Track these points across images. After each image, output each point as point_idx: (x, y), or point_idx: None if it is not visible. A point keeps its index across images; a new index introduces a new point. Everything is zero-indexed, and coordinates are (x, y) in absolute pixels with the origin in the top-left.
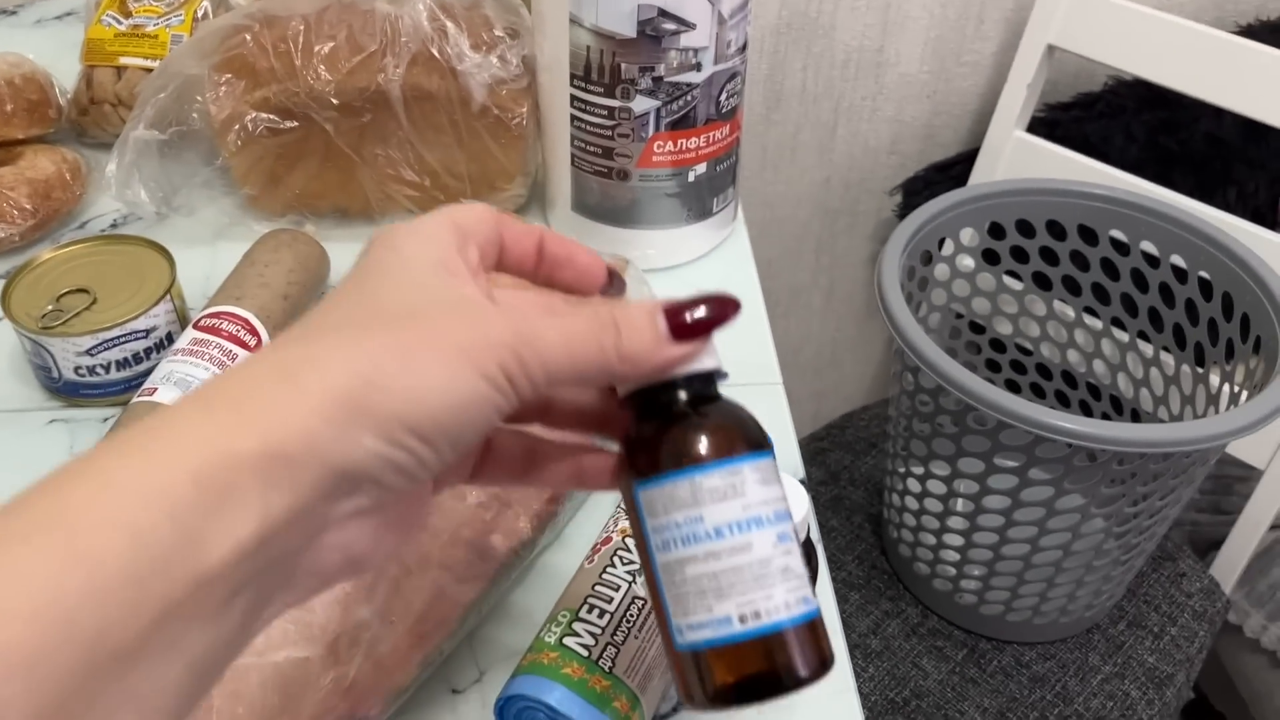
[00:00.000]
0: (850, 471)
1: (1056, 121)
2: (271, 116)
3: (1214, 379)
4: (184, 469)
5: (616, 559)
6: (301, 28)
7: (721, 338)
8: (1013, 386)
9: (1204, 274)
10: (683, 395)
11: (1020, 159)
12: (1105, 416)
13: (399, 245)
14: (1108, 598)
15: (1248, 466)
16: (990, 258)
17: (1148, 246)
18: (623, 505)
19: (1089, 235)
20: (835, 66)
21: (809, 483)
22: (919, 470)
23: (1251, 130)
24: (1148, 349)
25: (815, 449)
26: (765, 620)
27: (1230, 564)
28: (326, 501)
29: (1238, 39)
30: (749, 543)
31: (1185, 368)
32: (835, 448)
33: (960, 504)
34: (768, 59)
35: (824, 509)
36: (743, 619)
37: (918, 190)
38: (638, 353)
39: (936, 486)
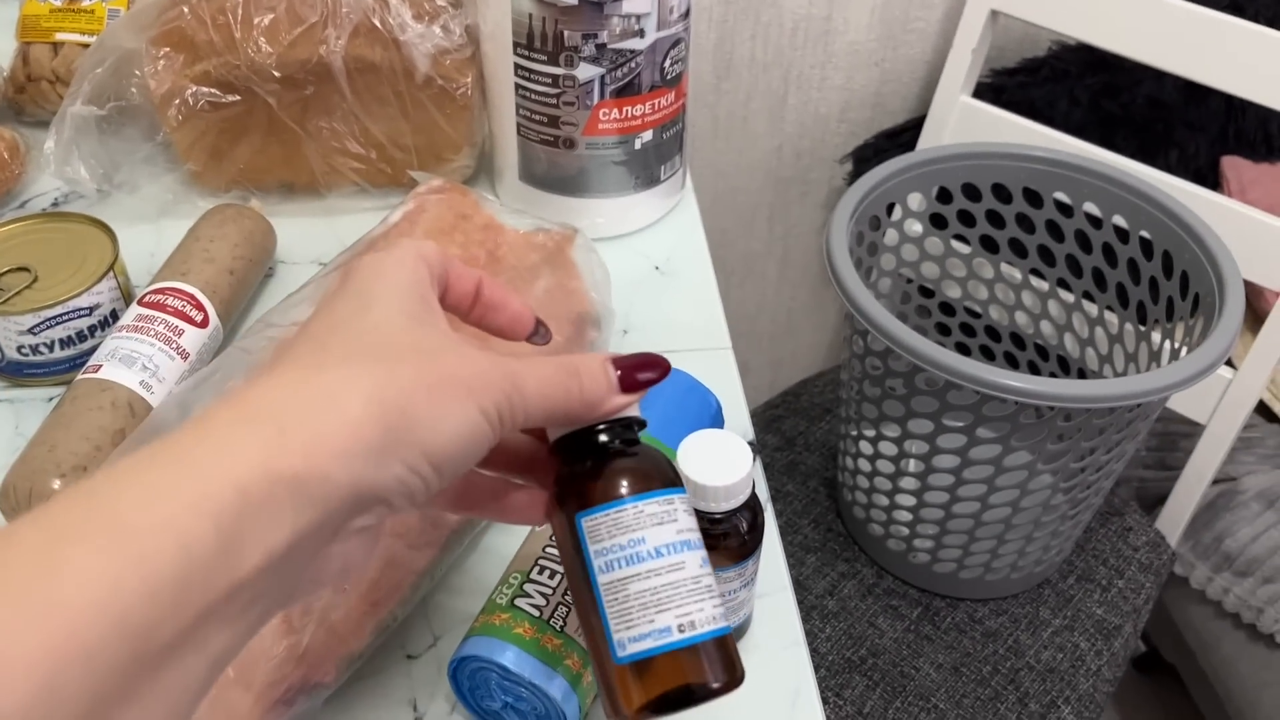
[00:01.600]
0: (805, 437)
1: (1002, 87)
2: (212, 90)
3: (1156, 336)
4: (230, 482)
5: None
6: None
7: (674, 305)
8: (963, 349)
9: (1145, 234)
10: (620, 437)
11: (967, 124)
12: (1052, 375)
13: (386, 275)
14: (1057, 553)
15: (1191, 423)
16: (938, 222)
17: (1091, 208)
18: (554, 538)
19: (1034, 198)
20: (784, 35)
21: (764, 449)
22: (870, 433)
23: (1192, 93)
24: (1092, 309)
25: (771, 416)
26: (699, 630)
27: (1175, 518)
28: (347, 518)
29: (1177, 2)
30: (683, 561)
31: (1128, 326)
32: (790, 414)
33: (911, 465)
34: (716, 28)
35: (780, 474)
36: (681, 629)
37: (868, 158)
38: (595, 399)
39: (888, 448)
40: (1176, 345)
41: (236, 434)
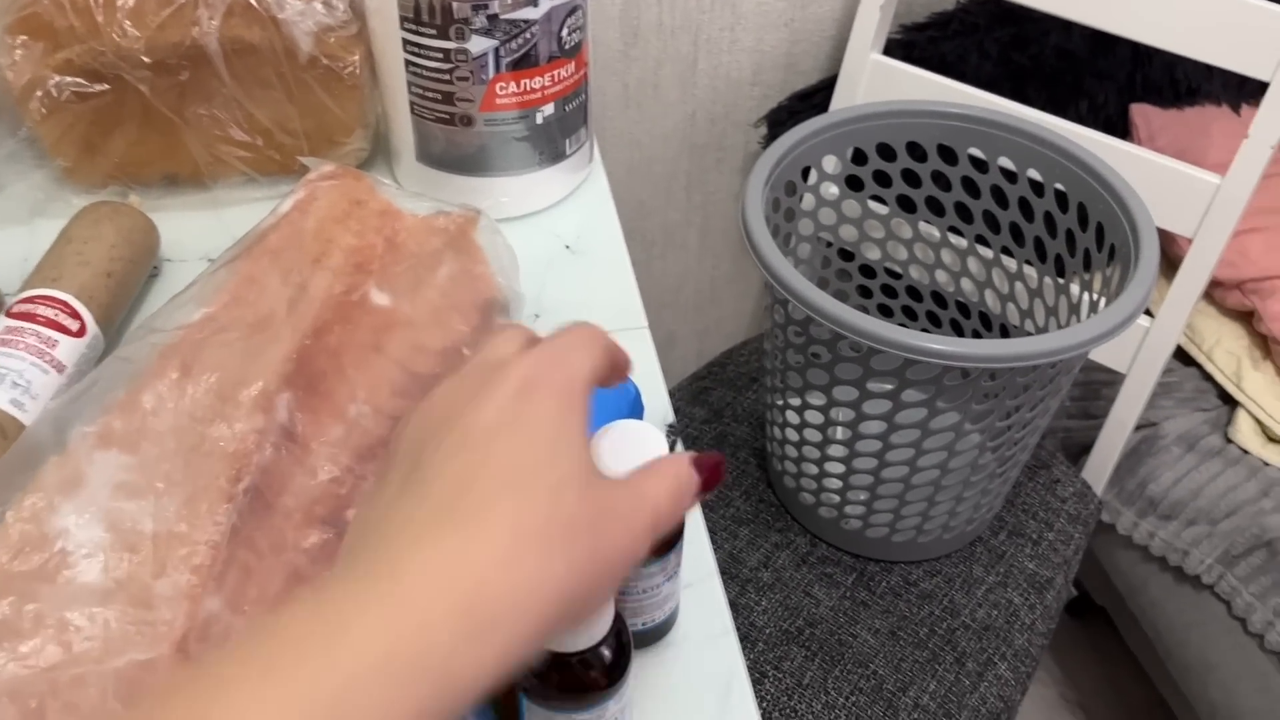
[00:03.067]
0: (733, 408)
1: (913, 43)
2: (78, 80)
3: (1075, 289)
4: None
5: None
6: None
7: (587, 285)
8: (885, 311)
9: (1059, 186)
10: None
11: (879, 83)
12: (976, 333)
13: (566, 425)
14: (987, 510)
15: (1112, 371)
16: (855, 184)
17: (1005, 162)
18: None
19: (948, 155)
20: None
21: (693, 422)
22: (796, 401)
23: (1099, 42)
24: (1011, 264)
25: (698, 388)
26: None
27: (1100, 466)
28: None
29: None
30: None
31: (1047, 280)
32: (717, 385)
33: (839, 432)
34: None
35: (709, 446)
36: None
37: (782, 121)
38: (685, 507)
39: (814, 416)
40: (1095, 297)
41: (379, 623)
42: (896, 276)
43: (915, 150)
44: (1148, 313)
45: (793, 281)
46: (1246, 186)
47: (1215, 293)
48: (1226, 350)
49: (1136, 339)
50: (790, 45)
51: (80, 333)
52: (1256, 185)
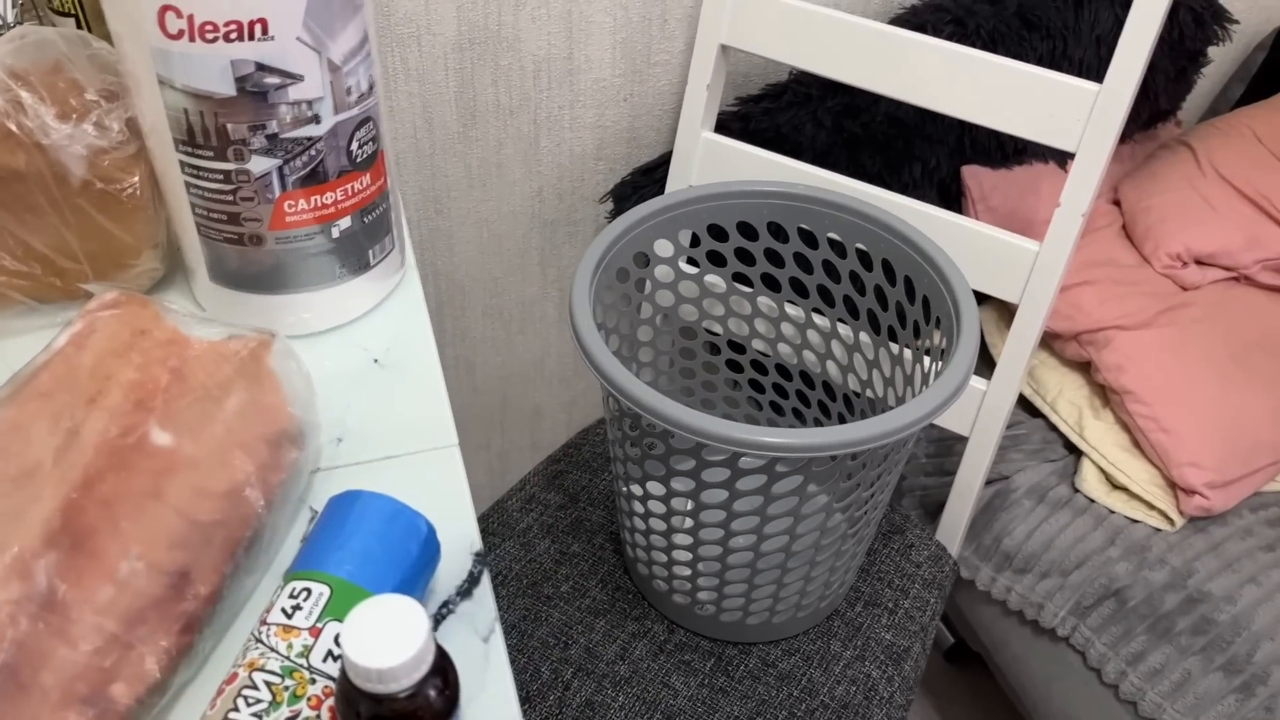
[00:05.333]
0: (589, 491)
1: (749, 115)
2: None
3: (909, 356)
4: None
5: (241, 700)
6: None
7: (396, 402)
8: (757, 387)
9: (886, 259)
10: None
11: (711, 160)
12: (821, 404)
13: None
14: (840, 585)
15: None
16: (695, 260)
17: (835, 237)
18: None
19: (779, 231)
20: (527, 77)
21: (548, 508)
22: (639, 490)
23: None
24: (849, 335)
25: (553, 472)
26: None
27: (954, 524)
28: None
29: (892, 30)
30: None
31: (883, 351)
32: (573, 468)
33: (682, 520)
34: (454, 76)
35: (565, 534)
36: None
37: (626, 195)
38: None
39: (656, 506)
40: (928, 367)
41: None
42: (741, 351)
43: (746, 229)
44: (990, 365)
45: (619, 378)
46: (1063, 253)
47: (1055, 344)
48: (1069, 400)
49: (975, 402)
50: (631, 120)
51: None
52: (1073, 251)
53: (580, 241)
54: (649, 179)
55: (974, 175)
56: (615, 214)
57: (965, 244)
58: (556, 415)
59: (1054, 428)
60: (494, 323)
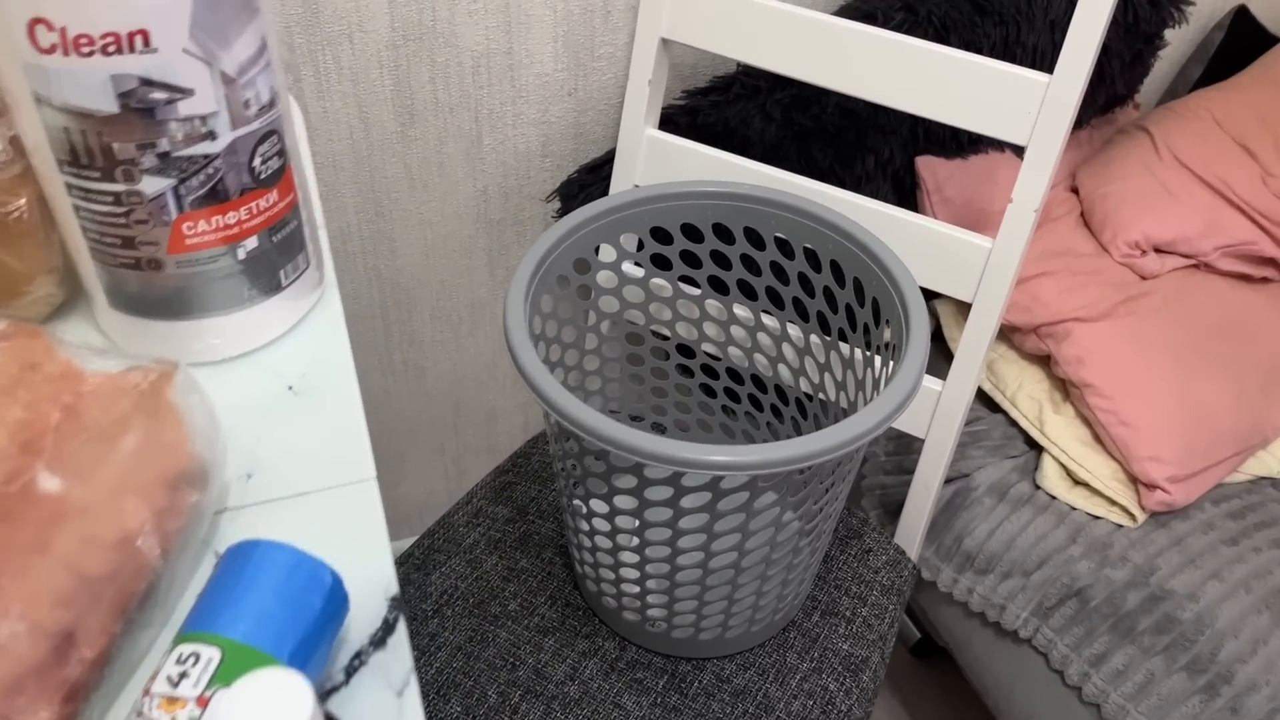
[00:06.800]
0: (538, 503)
1: (697, 109)
2: None
3: (859, 360)
4: None
5: None
6: None
7: (310, 432)
8: (708, 391)
9: (835, 260)
10: None
11: (655, 157)
12: (774, 407)
13: None
14: (794, 596)
15: None
16: (655, 261)
17: (782, 236)
18: None
19: (725, 233)
20: (465, 73)
21: (495, 522)
22: (583, 507)
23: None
24: (799, 337)
25: (501, 484)
26: None
27: (913, 525)
28: None
29: (836, 21)
30: None
31: (833, 354)
32: (522, 479)
33: (628, 537)
34: (390, 74)
35: (513, 549)
36: None
37: (573, 194)
38: None
39: (601, 523)
40: (879, 370)
41: None
42: (691, 355)
43: (691, 230)
44: (949, 359)
45: (554, 396)
46: (1017, 249)
47: (1014, 337)
48: (1029, 395)
49: (930, 403)
50: (577, 115)
51: None
52: (1027, 246)
53: (528, 241)
54: (596, 176)
55: (928, 166)
56: (563, 212)
57: (917, 241)
58: (512, 417)
59: (1014, 423)
60: (443, 326)
